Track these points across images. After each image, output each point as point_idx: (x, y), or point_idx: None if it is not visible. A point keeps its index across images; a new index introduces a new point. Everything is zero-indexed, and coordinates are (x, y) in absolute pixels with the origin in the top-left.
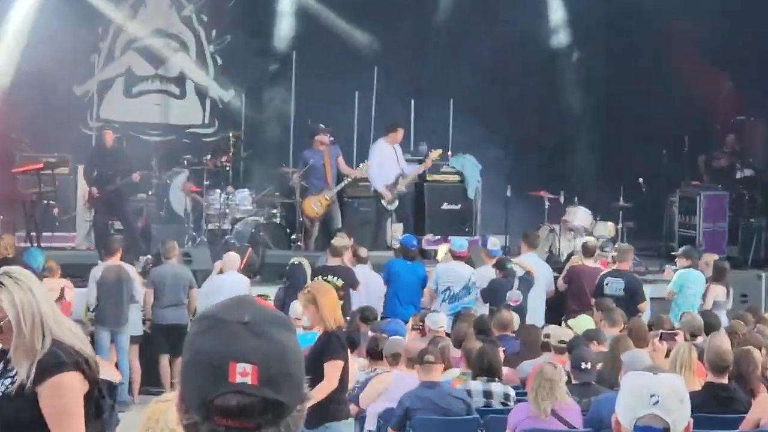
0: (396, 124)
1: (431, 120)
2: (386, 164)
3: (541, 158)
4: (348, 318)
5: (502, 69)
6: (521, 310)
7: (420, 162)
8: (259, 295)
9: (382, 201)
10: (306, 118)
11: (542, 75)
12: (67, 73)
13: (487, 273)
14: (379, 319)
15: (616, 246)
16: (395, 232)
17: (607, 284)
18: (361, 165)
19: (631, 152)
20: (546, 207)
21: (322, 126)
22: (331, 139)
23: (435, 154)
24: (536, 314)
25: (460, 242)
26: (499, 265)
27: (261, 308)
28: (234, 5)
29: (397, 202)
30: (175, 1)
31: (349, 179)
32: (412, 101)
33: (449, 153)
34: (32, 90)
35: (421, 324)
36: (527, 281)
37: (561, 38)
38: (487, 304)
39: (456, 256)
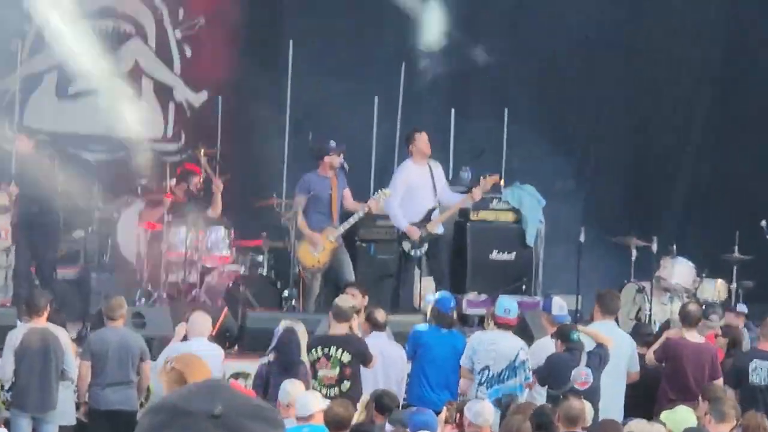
0: (413, 131)
1: (478, 136)
2: (416, 192)
3: (627, 192)
4: (357, 407)
5: (576, 70)
6: (592, 397)
7: (464, 192)
8: (236, 374)
9: (406, 245)
10: (306, 130)
11: (629, 79)
12: None
13: (547, 346)
14: (400, 408)
15: (738, 311)
16: (425, 289)
17: (755, 369)
18: (377, 193)
19: (750, 185)
20: (633, 258)
21: (333, 144)
22: (342, 162)
23: (489, 181)
24: (613, 403)
25: (507, 303)
26: (562, 335)
27: (237, 396)
28: None
29: (425, 247)
30: None
31: (360, 214)
32: (452, 111)
33: (501, 182)
34: None
35: (458, 416)
36: (599, 357)
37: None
38: (545, 388)
39: (499, 324)
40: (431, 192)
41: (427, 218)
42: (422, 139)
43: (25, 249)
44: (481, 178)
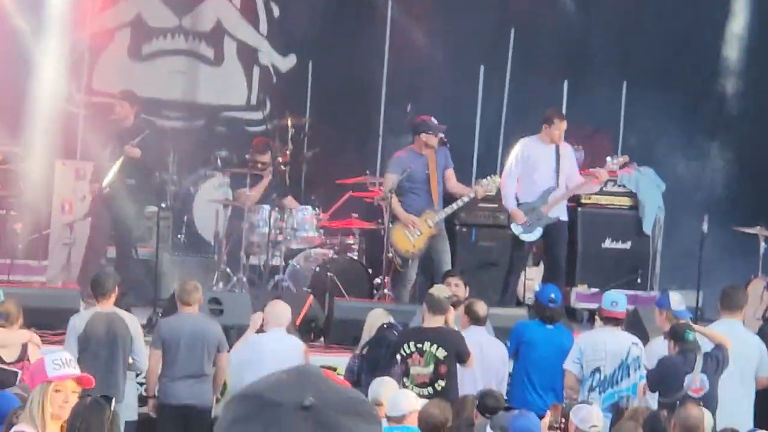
0: (553, 115)
1: (593, 110)
2: (534, 170)
3: (756, 177)
4: (455, 406)
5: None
6: (708, 404)
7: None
8: (324, 367)
9: (516, 228)
10: (404, 100)
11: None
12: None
13: (661, 347)
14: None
15: None
16: (532, 279)
17: None
18: (485, 179)
19: None
20: (761, 251)
21: (432, 121)
22: (442, 137)
23: (619, 161)
24: (739, 411)
25: (614, 296)
26: (675, 334)
27: (329, 386)
28: None
29: (539, 231)
30: None
31: (465, 200)
32: (565, 84)
33: (633, 165)
34: None
35: (563, 421)
36: (717, 360)
37: None
38: (655, 395)
39: (606, 318)
40: (552, 172)
41: (544, 199)
42: (561, 128)
43: (107, 222)
44: (608, 158)
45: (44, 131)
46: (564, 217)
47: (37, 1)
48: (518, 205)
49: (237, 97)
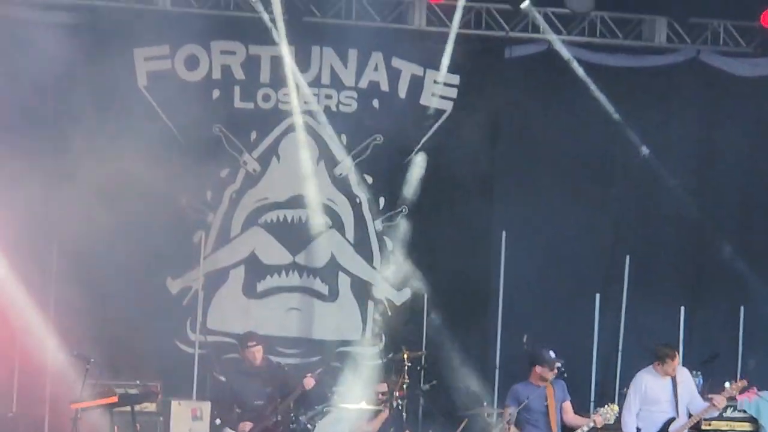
0: (664, 354)
1: (710, 335)
2: (653, 403)
3: None
4: None
5: None
6: None
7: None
8: None
9: None
10: (520, 330)
11: None
12: (157, 261)
13: None
14: None
15: None
16: None
17: None
18: (603, 408)
19: None
20: None
21: (550, 355)
22: (560, 365)
23: (737, 386)
24: None
25: None
26: None
27: None
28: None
29: None
30: (324, 153)
31: (585, 430)
32: (682, 309)
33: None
34: (100, 287)
35: None
36: None
37: None
38: None
39: None
40: (671, 404)
41: (664, 431)
42: (673, 364)
43: None
44: (727, 384)
45: (159, 371)
46: None
47: None
48: None
49: (352, 332)
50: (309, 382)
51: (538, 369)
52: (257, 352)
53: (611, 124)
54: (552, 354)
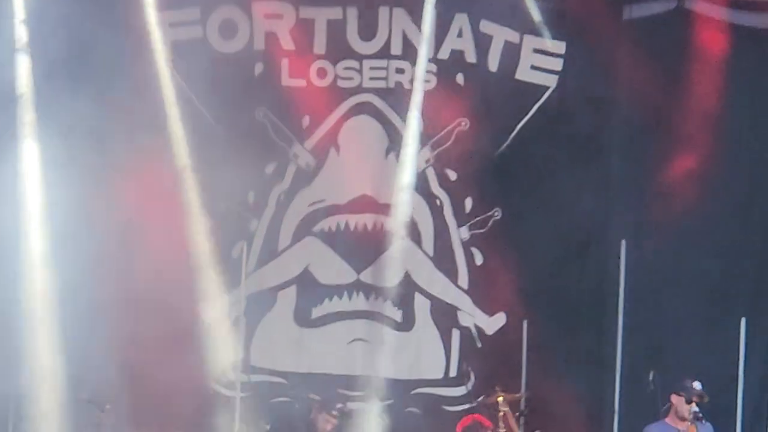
0: None
1: None
2: None
3: None
4: None
5: None
6: None
7: None
8: None
9: None
10: (645, 365)
11: None
12: (187, 282)
13: None
14: None
15: None
16: None
17: None
18: None
19: None
20: None
21: (694, 386)
22: (697, 412)
23: None
24: None
25: None
26: None
27: None
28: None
29: None
30: (395, 143)
31: None
32: None
33: None
34: (114, 314)
35: None
36: None
37: None
38: None
39: None
40: None
41: None
42: None
43: None
44: None
45: (191, 419)
46: None
47: None
48: None
49: (432, 369)
50: None
51: (674, 398)
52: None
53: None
54: (699, 385)
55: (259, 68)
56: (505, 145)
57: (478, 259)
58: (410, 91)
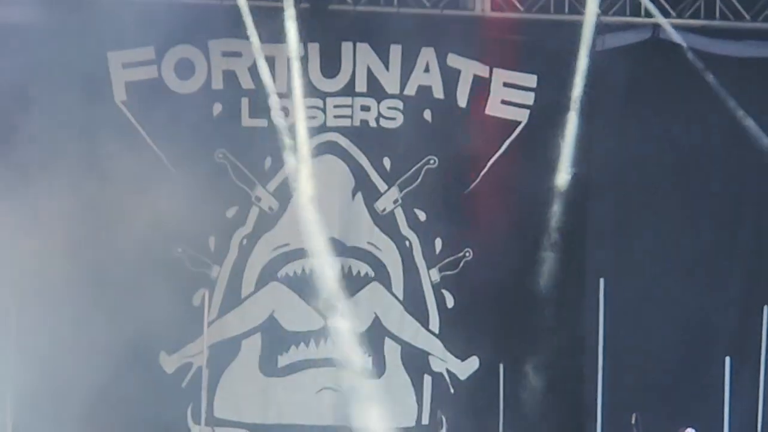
0: None
1: None
2: None
3: None
4: None
5: None
6: None
7: None
8: None
9: None
10: (626, 405)
11: None
12: (146, 331)
13: None
14: None
15: None
16: None
17: None
18: None
19: None
20: None
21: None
22: None
23: None
24: None
25: None
26: None
27: None
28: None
29: None
30: (361, 183)
31: None
32: None
33: None
34: (67, 367)
35: None
36: None
37: None
38: None
39: None
40: None
41: None
42: None
43: None
44: None
45: None
46: None
47: None
48: None
49: (404, 416)
50: None
51: None
52: None
53: (737, 133)
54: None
55: (217, 108)
56: (474, 183)
57: (449, 302)
58: (376, 129)
